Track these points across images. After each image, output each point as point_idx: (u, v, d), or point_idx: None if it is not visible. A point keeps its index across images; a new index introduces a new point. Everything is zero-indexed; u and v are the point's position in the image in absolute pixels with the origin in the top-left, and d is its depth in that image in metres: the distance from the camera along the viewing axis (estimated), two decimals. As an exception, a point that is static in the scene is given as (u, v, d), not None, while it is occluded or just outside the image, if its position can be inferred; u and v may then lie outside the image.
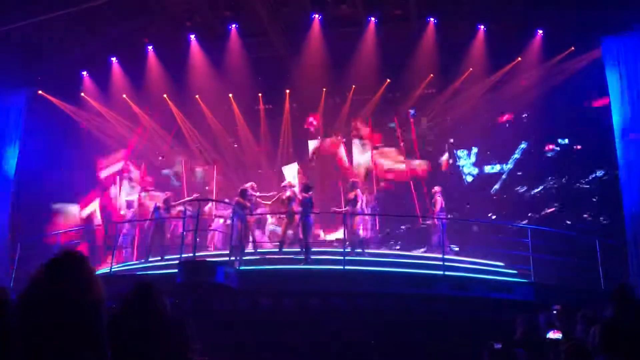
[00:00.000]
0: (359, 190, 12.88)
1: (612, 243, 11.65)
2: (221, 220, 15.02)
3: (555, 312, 6.67)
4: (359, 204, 12.69)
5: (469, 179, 18.71)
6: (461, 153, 18.84)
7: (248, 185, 13.14)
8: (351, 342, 9.78)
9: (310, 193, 12.03)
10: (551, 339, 5.50)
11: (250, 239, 12.91)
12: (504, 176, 17.91)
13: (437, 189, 14.15)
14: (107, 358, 3.02)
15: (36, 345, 2.86)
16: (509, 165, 18.03)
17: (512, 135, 17.77)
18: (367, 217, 13.63)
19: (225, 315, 10.21)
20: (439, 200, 13.90)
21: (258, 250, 12.98)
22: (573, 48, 16.13)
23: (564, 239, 13.08)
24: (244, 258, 11.27)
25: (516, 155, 17.91)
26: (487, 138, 18.11)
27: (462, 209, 16.80)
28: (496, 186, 17.92)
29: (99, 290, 3.09)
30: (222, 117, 19.21)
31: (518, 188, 17.53)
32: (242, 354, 9.79)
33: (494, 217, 16.74)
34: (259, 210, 14.47)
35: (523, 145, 17.84)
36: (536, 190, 17.28)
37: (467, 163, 18.77)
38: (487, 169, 18.49)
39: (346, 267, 10.58)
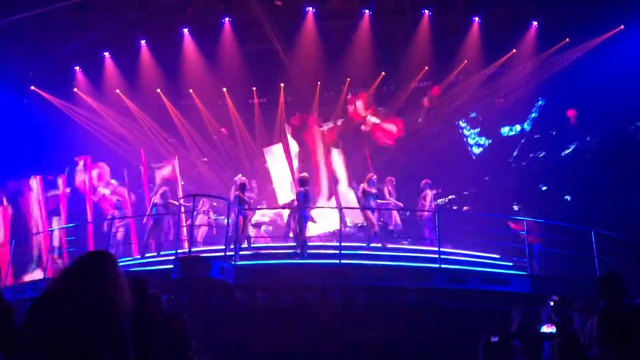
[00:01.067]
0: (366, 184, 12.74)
1: (606, 234, 11.63)
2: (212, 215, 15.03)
3: (552, 304, 6.65)
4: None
5: (477, 150, 18.25)
6: (463, 123, 18.28)
7: (238, 178, 13.00)
8: (348, 334, 9.77)
9: (306, 187, 11.97)
10: (545, 333, 5.50)
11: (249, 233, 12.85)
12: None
13: (425, 181, 14.09)
14: (127, 357, 3.02)
15: (58, 342, 2.91)
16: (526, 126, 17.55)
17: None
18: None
19: (221, 310, 10.16)
20: (430, 193, 13.85)
21: (252, 245, 12.94)
22: (568, 40, 16.15)
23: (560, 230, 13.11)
24: (240, 253, 11.22)
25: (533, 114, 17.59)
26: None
27: (461, 194, 16.65)
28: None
29: (122, 290, 3.10)
30: (216, 111, 19.13)
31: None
32: (238, 349, 9.78)
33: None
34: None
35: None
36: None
37: (471, 133, 18.21)
38: (505, 131, 17.82)
39: (342, 262, 10.55)
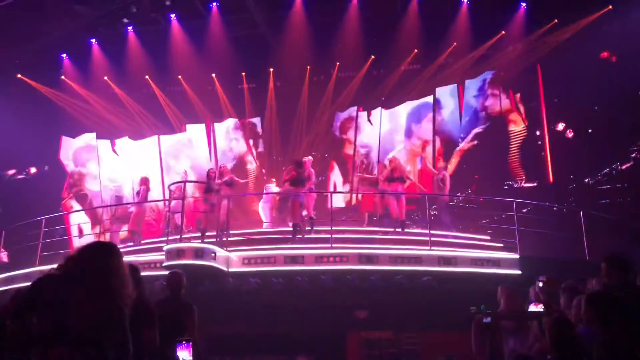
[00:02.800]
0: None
1: (595, 214, 11.74)
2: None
3: (541, 284, 6.71)
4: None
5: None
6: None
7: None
8: (338, 315, 9.87)
9: (300, 170, 12.00)
10: (533, 312, 5.55)
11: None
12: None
13: (442, 164, 14.06)
14: (126, 349, 3.07)
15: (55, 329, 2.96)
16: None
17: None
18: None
19: (214, 295, 10.20)
20: (448, 177, 13.69)
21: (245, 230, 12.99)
22: (556, 21, 16.15)
23: (550, 212, 13.21)
24: (230, 239, 11.26)
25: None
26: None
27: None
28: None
29: (121, 281, 3.19)
30: (206, 97, 19.04)
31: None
32: (232, 334, 9.87)
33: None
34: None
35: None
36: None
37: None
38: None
39: (334, 246, 10.61)
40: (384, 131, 15.29)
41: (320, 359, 10.08)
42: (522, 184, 15.85)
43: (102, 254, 3.23)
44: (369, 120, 15.67)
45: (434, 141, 14.80)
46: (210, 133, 16.98)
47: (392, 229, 12.21)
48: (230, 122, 17.45)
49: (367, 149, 15.67)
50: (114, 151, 16.15)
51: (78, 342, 2.95)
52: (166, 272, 9.62)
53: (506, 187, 15.94)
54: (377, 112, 15.45)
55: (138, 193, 13.75)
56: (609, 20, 15.95)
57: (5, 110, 16.83)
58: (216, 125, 17.17)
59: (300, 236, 11.47)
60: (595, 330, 3.88)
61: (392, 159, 13.03)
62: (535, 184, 15.95)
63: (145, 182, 13.84)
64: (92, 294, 3.04)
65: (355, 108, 16.13)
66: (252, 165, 17.49)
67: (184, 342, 4.35)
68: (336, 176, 16.46)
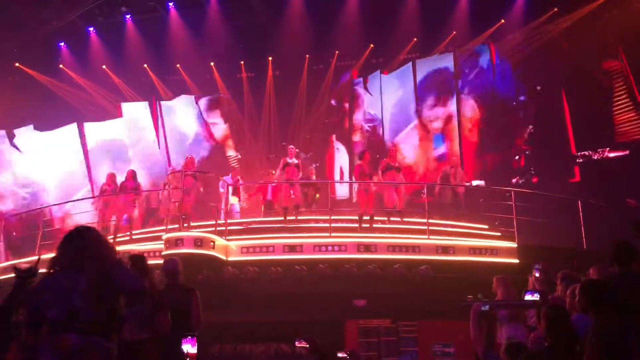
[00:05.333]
0: None
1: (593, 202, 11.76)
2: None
3: (537, 272, 6.75)
4: None
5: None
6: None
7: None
8: (337, 303, 9.93)
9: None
10: (529, 300, 5.58)
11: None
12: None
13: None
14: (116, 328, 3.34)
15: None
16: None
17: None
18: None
19: (213, 284, 10.25)
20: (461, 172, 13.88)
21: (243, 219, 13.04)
22: (556, 9, 16.10)
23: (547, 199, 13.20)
24: (229, 228, 11.29)
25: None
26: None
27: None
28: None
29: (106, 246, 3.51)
30: (205, 86, 19.00)
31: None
32: (231, 322, 9.92)
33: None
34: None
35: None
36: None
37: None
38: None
39: (332, 234, 10.66)
40: (391, 101, 14.54)
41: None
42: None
43: (75, 237, 3.44)
44: (366, 89, 15.12)
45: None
46: (157, 112, 16.27)
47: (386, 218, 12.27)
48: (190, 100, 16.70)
49: (374, 123, 15.16)
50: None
51: (88, 330, 3.15)
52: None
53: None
54: (375, 78, 14.75)
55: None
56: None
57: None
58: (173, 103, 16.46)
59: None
60: (588, 318, 3.93)
61: (391, 147, 13.07)
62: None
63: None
64: (89, 276, 3.25)
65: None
66: (233, 151, 17.22)
67: (189, 336, 4.44)
68: (342, 158, 16.00)
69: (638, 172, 14.14)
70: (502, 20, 16.73)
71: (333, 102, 16.08)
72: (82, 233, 3.46)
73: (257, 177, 16.25)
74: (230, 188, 12.98)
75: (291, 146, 13.00)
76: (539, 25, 16.49)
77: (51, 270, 3.40)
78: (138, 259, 5.13)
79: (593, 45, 15.07)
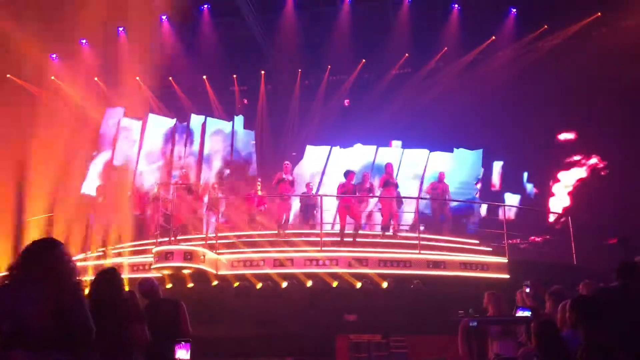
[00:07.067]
0: None
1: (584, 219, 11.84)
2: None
3: (527, 289, 6.77)
4: None
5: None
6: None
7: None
8: (327, 318, 9.88)
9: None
10: (520, 317, 5.59)
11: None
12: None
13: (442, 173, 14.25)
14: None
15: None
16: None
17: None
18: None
19: (203, 297, 10.19)
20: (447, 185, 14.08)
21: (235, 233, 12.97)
22: (546, 26, 16.26)
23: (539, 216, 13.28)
24: (220, 241, 11.24)
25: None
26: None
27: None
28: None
29: (60, 276, 3.29)
30: (197, 99, 18.99)
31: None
32: (221, 336, 9.83)
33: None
34: None
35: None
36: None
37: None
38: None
39: (323, 248, 10.63)
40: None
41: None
42: None
43: (40, 251, 3.34)
44: None
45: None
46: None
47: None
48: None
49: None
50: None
51: (41, 344, 3.05)
52: (157, 275, 9.66)
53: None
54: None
55: None
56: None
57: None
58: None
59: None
60: (578, 334, 3.93)
61: (388, 164, 13.08)
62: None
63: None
64: (45, 291, 3.15)
65: None
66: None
67: (183, 342, 4.42)
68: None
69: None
70: (493, 37, 16.88)
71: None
72: (45, 247, 3.38)
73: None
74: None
75: (286, 162, 13.03)
76: (530, 41, 16.67)
77: (6, 282, 3.31)
78: (108, 273, 4.77)
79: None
